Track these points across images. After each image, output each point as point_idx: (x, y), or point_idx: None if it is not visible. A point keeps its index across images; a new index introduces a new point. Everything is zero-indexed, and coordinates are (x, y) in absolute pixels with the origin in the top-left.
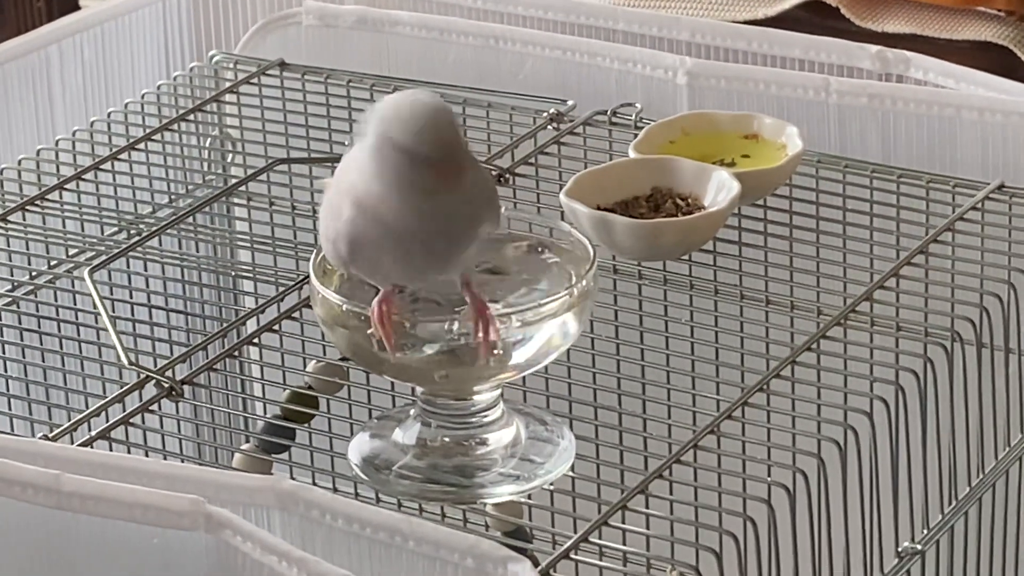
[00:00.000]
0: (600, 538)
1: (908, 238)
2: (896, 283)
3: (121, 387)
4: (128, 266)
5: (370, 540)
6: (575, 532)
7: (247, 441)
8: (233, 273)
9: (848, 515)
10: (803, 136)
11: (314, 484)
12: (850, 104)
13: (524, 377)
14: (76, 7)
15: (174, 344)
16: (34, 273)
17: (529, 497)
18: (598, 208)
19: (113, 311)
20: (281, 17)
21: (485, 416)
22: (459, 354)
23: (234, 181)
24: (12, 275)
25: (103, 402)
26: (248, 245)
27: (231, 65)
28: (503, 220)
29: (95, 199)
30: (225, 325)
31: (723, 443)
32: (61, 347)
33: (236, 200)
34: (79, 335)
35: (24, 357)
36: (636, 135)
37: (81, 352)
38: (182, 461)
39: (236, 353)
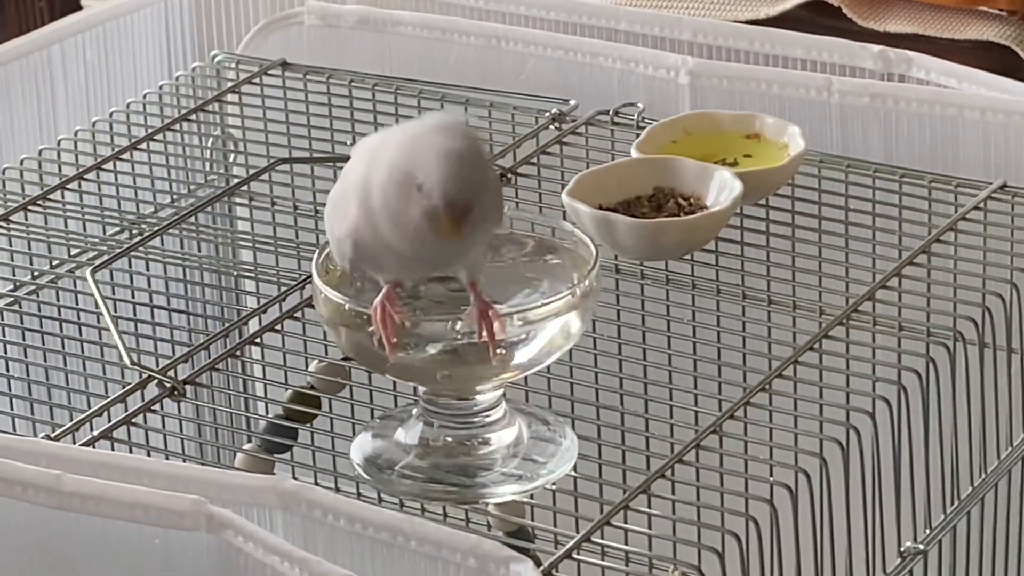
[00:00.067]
0: (602, 538)
1: (910, 238)
2: (898, 283)
3: (123, 387)
4: (130, 266)
5: (372, 540)
6: (577, 532)
7: (249, 441)
8: (235, 273)
9: (850, 515)
10: (805, 136)
11: (316, 484)
12: (852, 104)
13: (526, 377)
14: (78, 7)
15: (176, 344)
16: (36, 273)
17: (531, 497)
18: (600, 208)
19: (115, 311)
20: (283, 17)
21: (487, 416)
22: (461, 353)
23: (236, 181)
24: (14, 275)
25: (105, 402)
26: (250, 245)
27: (233, 65)
28: (505, 220)
29: (97, 199)
30: (227, 325)
31: (725, 443)
32: (63, 347)
33: (238, 200)
34: (81, 335)
35: (26, 357)
36: (638, 135)
37: (83, 352)
38: (184, 461)
39: (238, 353)
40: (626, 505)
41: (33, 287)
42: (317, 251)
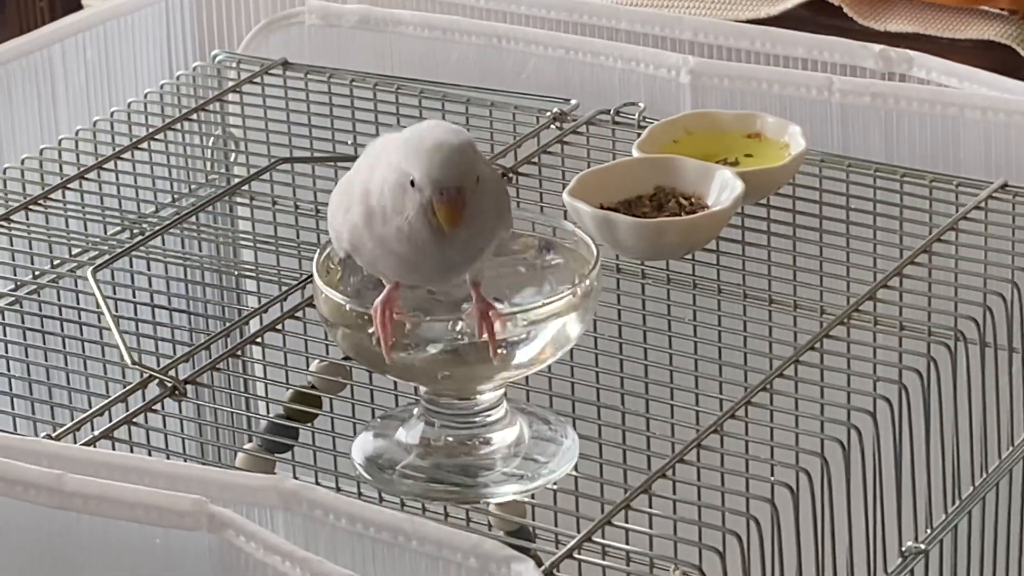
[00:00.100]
0: (603, 538)
1: (911, 237)
2: (899, 282)
3: (124, 386)
4: (131, 265)
5: (373, 540)
6: (578, 532)
7: (250, 441)
8: (236, 272)
9: (851, 514)
10: (806, 135)
11: (317, 484)
12: (853, 103)
13: (527, 376)
14: (79, 6)
15: (177, 343)
16: (37, 272)
17: (532, 497)
18: (601, 207)
19: (116, 310)
20: (284, 16)
21: (488, 416)
22: (462, 353)
23: (237, 180)
24: (15, 274)
25: (106, 401)
26: (251, 244)
27: (234, 64)
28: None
29: (98, 198)
30: (228, 324)
31: (726, 442)
32: (64, 346)
33: (239, 199)
34: (82, 334)
35: (27, 356)
36: (639, 134)
37: (84, 351)
38: (185, 461)
39: (239, 352)
40: (627, 505)
41: (34, 287)
42: (318, 251)
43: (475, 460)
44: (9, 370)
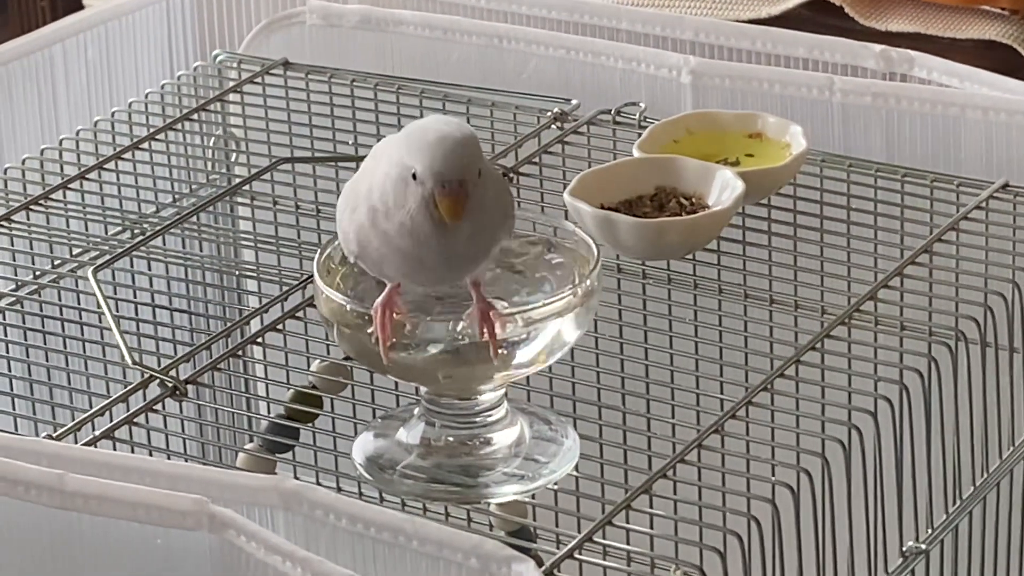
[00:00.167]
0: (604, 538)
1: (912, 237)
2: (900, 282)
3: (125, 387)
4: (132, 265)
5: (374, 540)
6: (579, 532)
7: (251, 441)
8: (237, 272)
9: (852, 515)
10: (807, 135)
11: (318, 484)
12: (854, 103)
13: (528, 377)
14: (80, 6)
15: (178, 344)
16: (38, 272)
17: (533, 497)
18: (602, 207)
19: (117, 310)
20: (285, 16)
21: (489, 416)
22: (463, 354)
23: (238, 180)
24: (16, 274)
25: (107, 402)
26: (252, 244)
27: (235, 64)
28: None
29: (99, 198)
30: (229, 324)
31: (727, 442)
32: (65, 347)
33: (240, 199)
34: (83, 335)
35: (28, 356)
36: (640, 134)
37: (85, 352)
38: (186, 461)
39: (240, 352)
40: (628, 505)
41: (35, 287)
42: (319, 251)
43: (476, 460)
44: (10, 370)
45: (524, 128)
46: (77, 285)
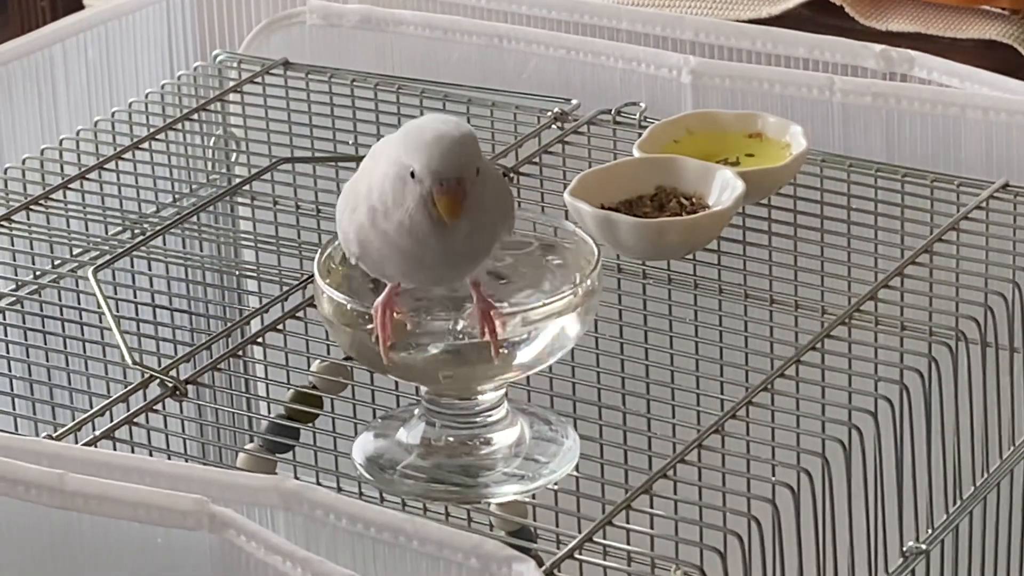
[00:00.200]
0: (604, 538)
1: (912, 237)
2: (900, 282)
3: (125, 387)
4: (132, 265)
5: (374, 540)
6: (579, 532)
7: (251, 441)
8: (237, 272)
9: (852, 515)
10: (807, 135)
11: (318, 484)
12: (854, 103)
13: (528, 377)
14: (80, 6)
15: (178, 344)
16: (38, 272)
17: (533, 497)
18: (602, 207)
19: (117, 310)
20: (285, 16)
21: (489, 416)
22: (463, 353)
23: (238, 180)
24: (16, 274)
25: (107, 402)
26: (252, 244)
27: (235, 64)
28: None
29: (99, 198)
30: (229, 324)
31: (727, 443)
32: (65, 347)
33: (240, 199)
34: (83, 335)
35: (28, 356)
36: (640, 134)
37: (85, 352)
38: (186, 461)
39: (240, 353)
40: (628, 505)
41: (35, 287)
42: (319, 251)
43: (476, 460)
44: (10, 370)
45: (524, 128)
46: (77, 285)
